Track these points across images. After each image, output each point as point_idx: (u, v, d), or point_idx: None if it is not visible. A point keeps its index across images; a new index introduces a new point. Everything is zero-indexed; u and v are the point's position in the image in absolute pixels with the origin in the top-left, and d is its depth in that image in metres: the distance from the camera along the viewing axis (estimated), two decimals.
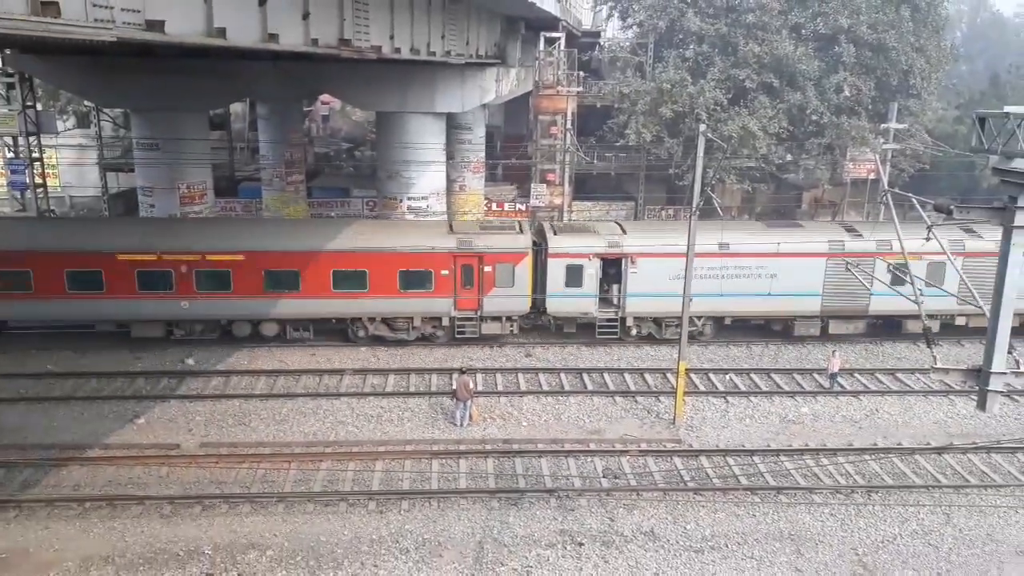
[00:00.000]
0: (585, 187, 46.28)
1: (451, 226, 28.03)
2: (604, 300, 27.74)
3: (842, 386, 24.98)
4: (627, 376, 25.57)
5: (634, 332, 27.90)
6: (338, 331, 27.92)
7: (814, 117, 38.13)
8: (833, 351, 25.67)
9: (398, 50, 22.95)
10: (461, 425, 22.10)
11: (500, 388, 24.63)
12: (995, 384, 12.67)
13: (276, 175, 41.01)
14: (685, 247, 21.45)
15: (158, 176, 33.24)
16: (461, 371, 22.80)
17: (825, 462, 20.56)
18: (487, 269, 26.24)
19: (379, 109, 34.12)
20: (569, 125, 40.98)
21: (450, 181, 39.13)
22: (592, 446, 21.20)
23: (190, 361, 26.15)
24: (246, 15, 14.77)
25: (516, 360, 26.81)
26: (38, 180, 36.45)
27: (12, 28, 9.29)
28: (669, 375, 25.02)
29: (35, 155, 36.19)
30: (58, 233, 27.21)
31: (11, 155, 37.53)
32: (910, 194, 17.65)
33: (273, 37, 15.58)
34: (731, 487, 19.40)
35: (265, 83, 34.75)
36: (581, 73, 43.78)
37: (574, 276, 26.93)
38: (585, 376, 25.48)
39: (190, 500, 18.36)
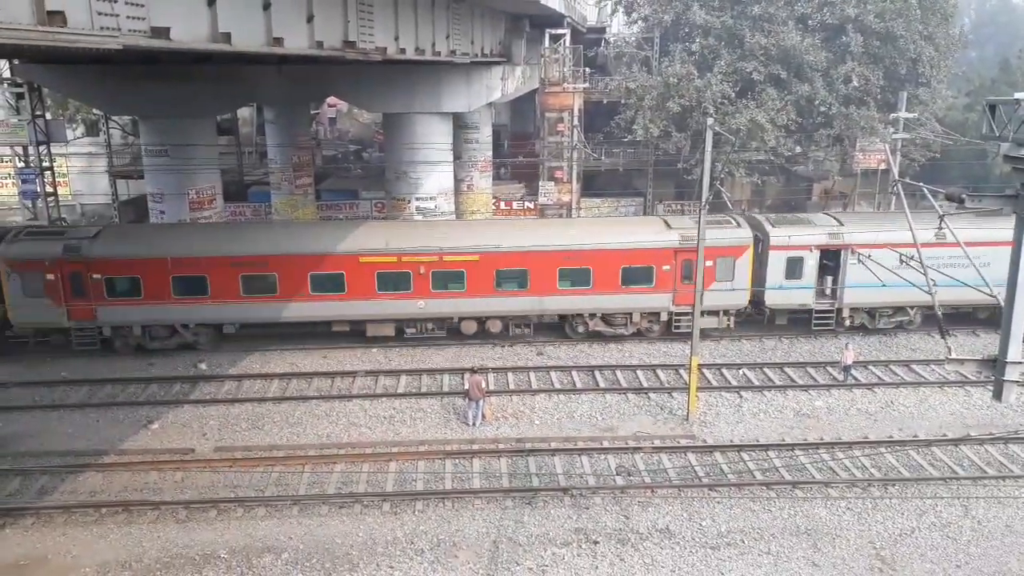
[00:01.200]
0: (593, 184, 46.22)
1: (666, 222, 27.82)
2: (819, 291, 27.75)
3: (856, 379, 24.81)
4: (639, 373, 25.49)
5: (847, 323, 27.99)
6: (556, 327, 28.41)
7: (822, 108, 37.93)
8: (847, 344, 25.50)
9: (403, 51, 22.96)
10: (474, 425, 22.09)
11: (512, 387, 24.60)
12: (1011, 374, 12.54)
13: (285, 179, 41.14)
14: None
15: (167, 182, 33.42)
16: (473, 370, 22.79)
17: (840, 456, 20.43)
18: (708, 263, 26.06)
19: (386, 110, 34.18)
20: (576, 122, 40.91)
21: (458, 181, 39.20)
22: (605, 444, 21.14)
23: (203, 366, 26.26)
24: (250, 19, 14.81)
25: (528, 359, 26.78)
26: (49, 189, 36.71)
27: (19, 38, 9.34)
28: (682, 371, 24.92)
29: (45, 164, 36.44)
30: (301, 237, 27.51)
31: (22, 164, 37.80)
32: (921, 183, 17.53)
33: (278, 41, 15.62)
34: (746, 482, 19.29)
35: (271, 87, 34.87)
36: (587, 69, 43.73)
37: (794, 268, 27.03)
38: (597, 373, 25.42)
39: (205, 504, 18.42)
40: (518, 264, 26.52)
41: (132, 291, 25.95)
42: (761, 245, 27.24)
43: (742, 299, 27.14)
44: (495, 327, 27.60)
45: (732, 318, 27.78)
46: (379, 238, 26.87)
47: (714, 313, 27.28)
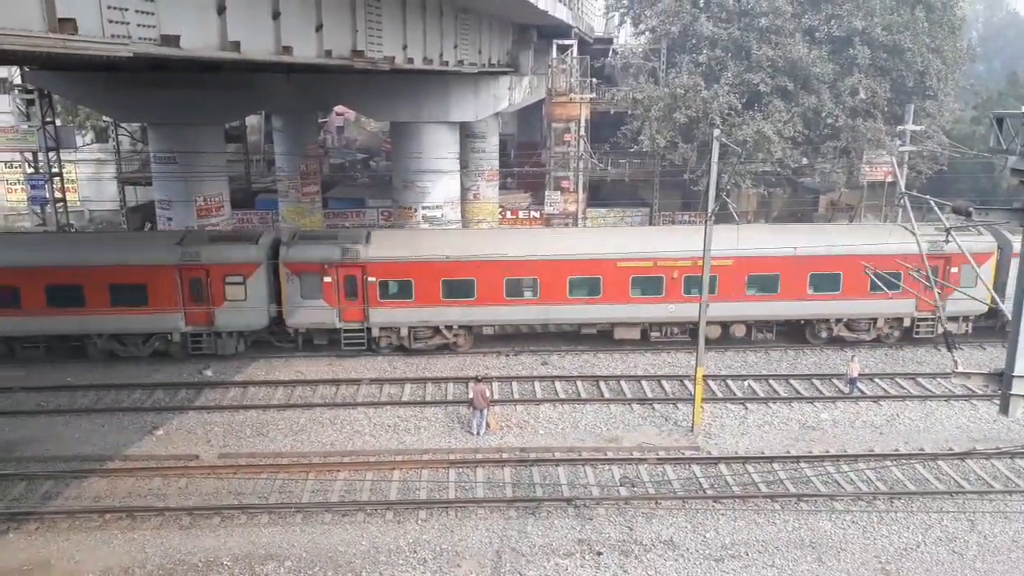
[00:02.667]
0: (599, 194, 46.26)
1: (908, 229, 27.64)
2: None
3: (862, 391, 24.71)
4: (644, 383, 25.44)
5: None
6: (795, 332, 28.65)
7: (829, 120, 37.91)
8: (852, 356, 25.41)
9: (411, 60, 23.07)
10: (478, 434, 22.07)
11: (516, 396, 24.57)
12: (1018, 388, 12.44)
13: (292, 186, 41.30)
14: None
15: (175, 189, 33.57)
16: (477, 379, 22.78)
17: (846, 468, 20.33)
18: (953, 270, 26.45)
19: (393, 119, 34.35)
20: (582, 132, 40.96)
21: (464, 190, 39.28)
22: (610, 454, 21.09)
23: (208, 372, 26.31)
24: (260, 28, 14.91)
25: (532, 368, 26.76)
26: (58, 195, 36.91)
27: (31, 45, 9.42)
28: (687, 382, 24.87)
29: (55, 170, 36.66)
30: (562, 242, 27.86)
31: (31, 170, 38.03)
32: (928, 196, 17.49)
33: (287, 50, 15.71)
34: (751, 495, 19.21)
35: (280, 95, 35.06)
36: (594, 80, 43.79)
37: None
38: (602, 383, 25.38)
39: (209, 511, 18.42)
40: (770, 269, 26.79)
41: (404, 293, 26.49)
42: (1002, 253, 27.11)
43: (982, 306, 26.89)
44: (739, 331, 27.85)
45: (971, 324, 27.86)
46: (636, 242, 27.19)
47: (954, 319, 27.52)
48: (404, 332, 27.15)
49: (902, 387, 25.24)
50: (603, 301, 26.83)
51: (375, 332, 27.11)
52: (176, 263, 25.82)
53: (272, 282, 26.37)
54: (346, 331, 26.99)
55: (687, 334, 27.65)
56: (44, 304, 25.64)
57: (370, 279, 26.29)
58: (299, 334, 27.29)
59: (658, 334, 27.86)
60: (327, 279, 26.15)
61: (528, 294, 26.78)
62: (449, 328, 27.34)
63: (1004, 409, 13.16)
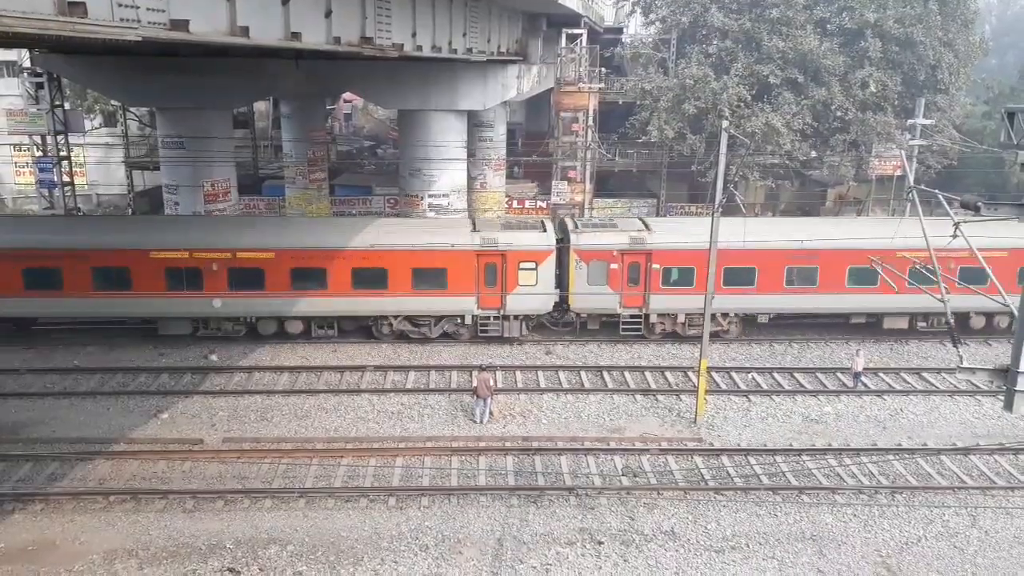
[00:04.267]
0: (607, 184, 46.15)
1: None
2: None
3: (866, 385, 24.69)
4: (648, 374, 25.46)
5: None
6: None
7: (839, 113, 37.72)
8: (857, 350, 25.38)
9: (420, 48, 23.02)
10: (481, 422, 22.14)
11: (520, 386, 24.62)
12: (1023, 384, 12.45)
13: (299, 173, 41.32)
14: None
15: (183, 174, 33.63)
16: (481, 368, 22.83)
17: (848, 462, 20.34)
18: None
19: (401, 107, 34.29)
20: (591, 122, 40.82)
21: (471, 178, 39.27)
22: (612, 444, 21.13)
23: (213, 357, 26.42)
24: (269, 14, 14.89)
25: (536, 358, 26.80)
26: (66, 178, 37.01)
27: (40, 28, 9.45)
28: (690, 373, 24.88)
29: (63, 154, 36.74)
30: (844, 230, 27.70)
31: (40, 154, 38.13)
32: (936, 191, 17.42)
33: (296, 35, 15.70)
34: (752, 487, 19.24)
35: (288, 81, 35.06)
36: (603, 70, 43.60)
37: None
38: (605, 374, 25.41)
39: (212, 495, 18.55)
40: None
41: (684, 281, 26.80)
42: None
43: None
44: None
45: None
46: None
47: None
48: (681, 319, 27.47)
49: (906, 382, 25.21)
50: (879, 292, 26.29)
51: (652, 319, 27.51)
52: (475, 249, 26.32)
53: (558, 268, 27.00)
54: (625, 317, 27.45)
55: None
56: (350, 287, 26.30)
57: (654, 266, 26.66)
58: (579, 319, 27.82)
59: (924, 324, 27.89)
60: (614, 266, 26.64)
61: (808, 283, 26.82)
62: (725, 316, 27.58)
63: (1008, 405, 13.16)
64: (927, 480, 19.66)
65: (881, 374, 25.53)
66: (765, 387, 24.70)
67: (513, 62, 35.85)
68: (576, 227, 27.61)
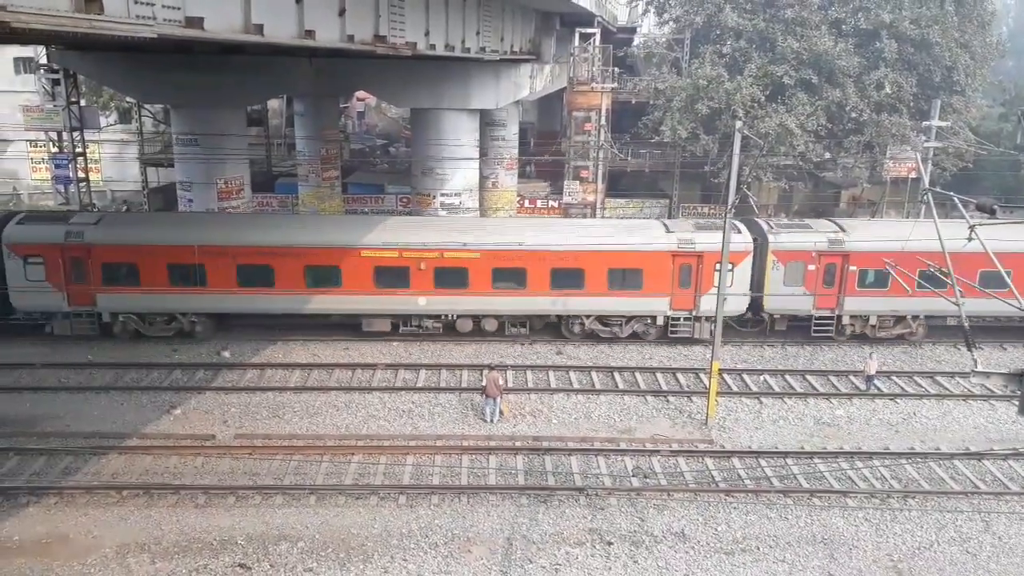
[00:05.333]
0: (619, 184, 46.06)
1: None
2: None
3: (879, 389, 24.53)
4: (659, 375, 25.39)
5: None
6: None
7: (853, 114, 37.49)
8: (871, 353, 25.24)
9: (433, 47, 23.03)
10: (491, 421, 22.14)
11: (531, 385, 24.61)
12: None
13: (312, 171, 41.41)
14: None
15: (196, 171, 33.80)
16: (490, 367, 22.85)
17: (860, 465, 20.22)
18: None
19: (414, 106, 34.32)
20: (603, 121, 40.76)
21: (483, 177, 39.26)
22: (623, 445, 21.09)
23: (226, 354, 26.55)
24: (283, 12, 14.94)
25: (547, 358, 26.77)
26: (81, 174, 37.27)
27: (57, 24, 9.50)
28: (702, 375, 24.80)
29: (79, 150, 37.00)
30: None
31: (56, 150, 38.42)
32: (952, 193, 17.28)
33: (309, 33, 15.73)
34: (763, 489, 19.17)
35: (302, 80, 35.15)
36: (616, 69, 43.51)
37: None
38: (616, 375, 25.35)
39: (224, 491, 18.64)
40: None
41: (879, 282, 26.72)
42: None
43: None
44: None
45: None
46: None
47: None
48: (873, 321, 27.57)
49: (920, 385, 25.03)
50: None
51: (844, 320, 27.53)
52: (671, 249, 26.47)
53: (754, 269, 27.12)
54: (818, 318, 27.48)
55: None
56: (548, 287, 26.61)
57: (851, 268, 26.65)
58: (772, 319, 27.94)
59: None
60: (811, 267, 26.66)
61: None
62: (915, 318, 27.55)
63: (1023, 410, 13.06)
64: (940, 485, 19.51)
65: (894, 377, 25.36)
66: (777, 389, 24.59)
67: (526, 61, 35.82)
68: (771, 228, 27.59)
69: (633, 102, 44.10)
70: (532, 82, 36.45)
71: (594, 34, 41.29)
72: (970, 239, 15.33)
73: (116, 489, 18.62)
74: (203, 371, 25.30)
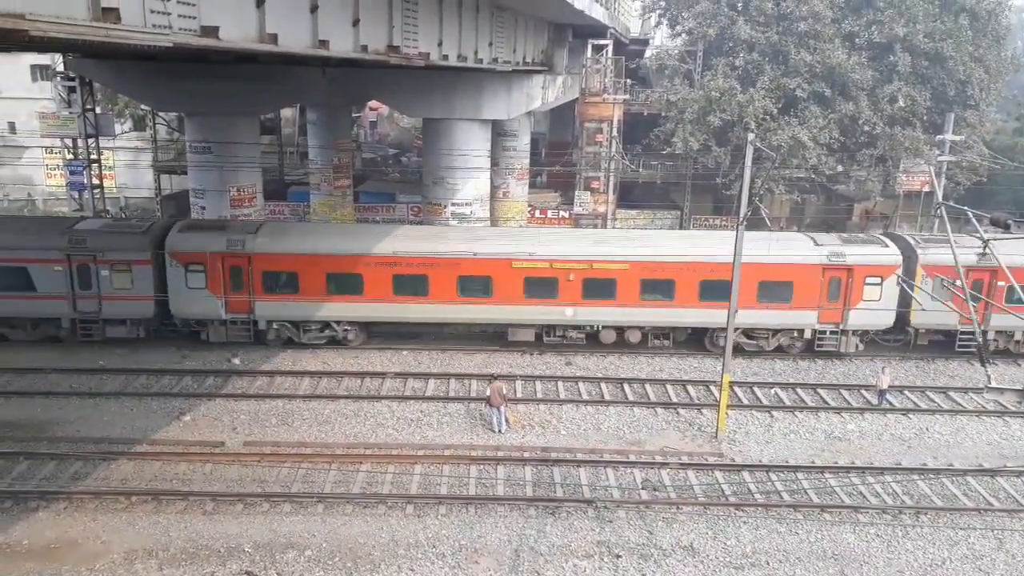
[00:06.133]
0: (630, 195, 46.07)
1: None
2: None
3: (891, 403, 24.34)
4: (669, 387, 25.28)
5: None
6: None
7: (866, 128, 37.41)
8: (883, 367, 25.05)
9: (446, 57, 23.13)
10: (499, 431, 22.09)
11: (540, 396, 24.54)
12: None
13: (324, 179, 41.62)
14: None
15: (209, 179, 34.02)
16: (493, 377, 22.85)
17: (871, 481, 20.03)
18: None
19: (426, 115, 34.45)
20: (615, 133, 40.79)
21: (494, 187, 39.31)
22: (632, 457, 20.98)
23: (236, 361, 26.62)
24: (297, 21, 15.03)
25: (556, 368, 26.71)
26: (96, 181, 37.56)
27: (75, 33, 9.59)
28: (712, 387, 24.67)
29: (93, 157, 37.31)
30: None
31: (71, 156, 38.75)
32: (965, 207, 17.19)
33: (323, 43, 15.83)
34: (773, 503, 19.00)
35: (315, 89, 35.35)
36: (628, 81, 43.60)
37: None
38: (626, 386, 25.26)
39: (232, 498, 18.64)
40: None
41: None
42: None
43: None
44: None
45: None
46: None
47: None
48: (1018, 337, 27.37)
49: (932, 400, 24.81)
50: None
51: (990, 335, 27.33)
52: (821, 263, 26.56)
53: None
54: (963, 333, 27.24)
55: None
56: (696, 299, 26.80)
57: (999, 283, 26.27)
58: (916, 334, 27.78)
59: None
60: (957, 283, 26.55)
61: None
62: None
63: None
64: (952, 501, 19.30)
65: (907, 392, 25.16)
66: (788, 403, 24.43)
67: (538, 72, 35.93)
68: (918, 242, 27.41)
69: (645, 114, 44.19)
70: (544, 93, 36.54)
71: (607, 45, 41.41)
72: (984, 254, 15.21)
73: (125, 495, 18.65)
74: (213, 378, 25.36)
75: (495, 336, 28.33)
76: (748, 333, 27.38)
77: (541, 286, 26.64)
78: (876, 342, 28.03)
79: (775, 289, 26.50)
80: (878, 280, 26.45)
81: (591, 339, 27.77)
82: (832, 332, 27.13)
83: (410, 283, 26.49)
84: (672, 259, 26.59)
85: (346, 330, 27.43)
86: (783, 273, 26.44)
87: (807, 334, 27.26)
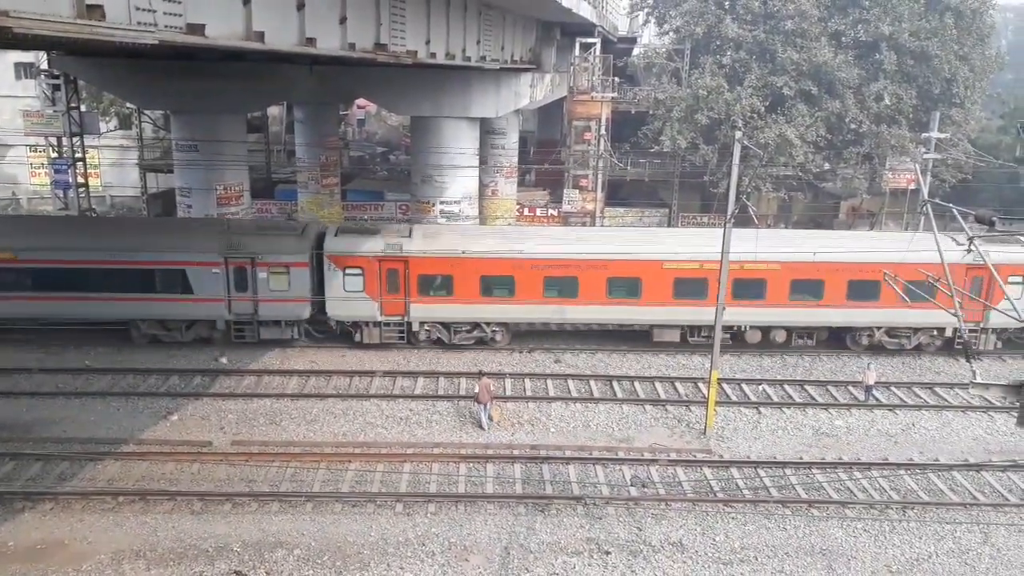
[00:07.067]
0: (618, 193, 46.15)
1: None
2: None
3: (878, 399, 24.51)
4: (657, 384, 25.35)
5: None
6: None
7: (853, 126, 37.60)
8: (869, 364, 25.22)
9: (433, 55, 23.07)
10: (485, 428, 22.11)
11: (529, 393, 24.56)
12: None
13: (311, 178, 41.50)
14: None
15: (196, 177, 33.84)
16: (482, 374, 22.85)
17: (859, 476, 20.18)
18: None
19: (414, 114, 34.39)
20: (603, 131, 40.84)
21: (482, 186, 39.31)
22: (621, 454, 21.05)
23: (223, 360, 26.49)
24: (284, 19, 14.96)
25: (545, 366, 26.73)
26: (81, 180, 37.27)
27: (59, 31, 9.50)
28: (700, 384, 24.76)
29: (78, 155, 37.01)
30: None
31: (55, 155, 38.44)
32: (951, 205, 17.31)
33: (311, 41, 15.76)
34: (762, 499, 19.11)
35: (302, 87, 35.25)
36: (616, 79, 43.64)
37: None
38: (615, 383, 25.32)
39: (220, 497, 18.56)
40: None
41: None
42: None
43: None
44: None
45: None
46: None
47: None
48: None
49: (918, 396, 25.01)
50: None
51: None
52: (964, 262, 25.85)
53: None
54: None
55: None
56: (844, 299, 26.91)
57: None
58: None
59: None
60: None
61: None
62: None
63: (1022, 421, 13.04)
64: (939, 496, 19.47)
65: (893, 388, 25.35)
66: (776, 399, 24.55)
67: (527, 70, 35.92)
68: None
69: (633, 112, 44.22)
70: (532, 91, 36.54)
71: (595, 44, 41.45)
72: (969, 251, 15.34)
73: (112, 495, 18.54)
74: (200, 377, 25.23)
75: (640, 335, 28.19)
76: (891, 332, 27.60)
77: (690, 287, 26.74)
78: (1012, 340, 28.20)
79: (919, 289, 26.55)
80: (1020, 279, 26.66)
81: (735, 339, 27.70)
82: (972, 330, 27.22)
83: (561, 285, 26.70)
84: (823, 260, 26.38)
85: (495, 331, 27.60)
86: (927, 272, 26.35)
87: (948, 332, 27.44)
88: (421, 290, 26.74)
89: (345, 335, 27.75)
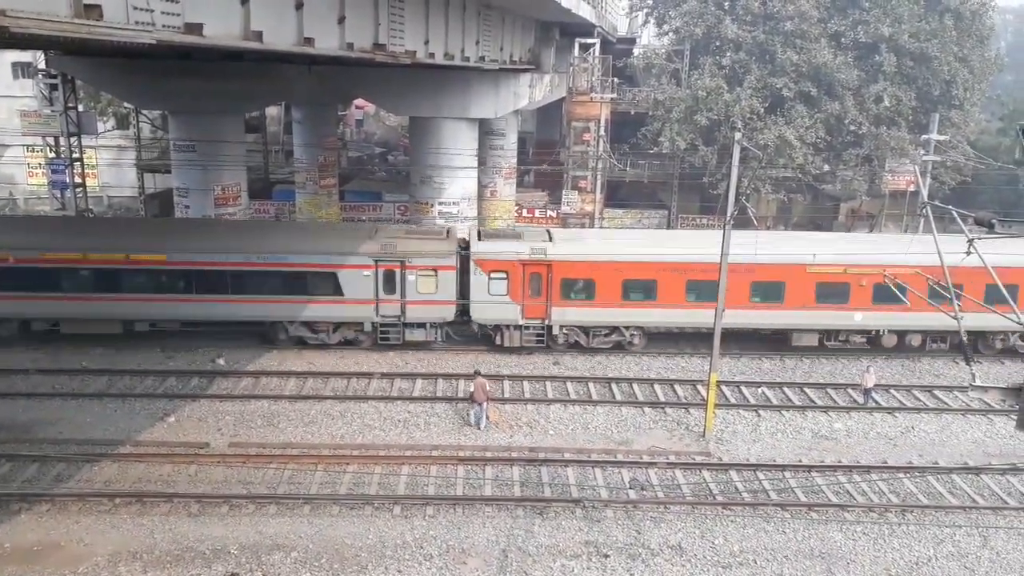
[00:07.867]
0: (617, 194, 46.10)
1: None
2: None
3: (877, 402, 24.46)
4: (656, 387, 25.29)
5: None
6: None
7: (852, 127, 37.59)
8: (868, 367, 25.17)
9: (432, 55, 23.02)
10: (480, 427, 22.05)
11: (527, 396, 24.49)
12: None
13: (310, 178, 41.39)
14: None
15: (194, 177, 33.76)
16: (477, 373, 22.79)
17: (858, 479, 20.13)
18: None
19: (413, 114, 34.31)
20: (602, 132, 40.80)
21: (481, 186, 39.22)
22: (620, 457, 20.98)
23: (220, 361, 26.40)
24: (282, 19, 14.90)
25: (544, 368, 26.67)
26: (78, 180, 37.17)
27: (56, 30, 9.43)
28: (699, 387, 24.71)
29: (76, 155, 36.91)
30: None
31: (53, 155, 38.33)
32: (950, 207, 17.28)
33: (309, 41, 15.70)
34: (761, 502, 19.06)
35: (300, 87, 35.16)
36: (615, 80, 43.60)
37: None
38: (613, 386, 25.25)
39: (217, 499, 18.48)
40: None
41: None
42: None
43: None
44: None
45: None
46: None
47: None
48: None
49: (918, 399, 24.96)
50: None
51: None
52: None
53: None
54: None
55: None
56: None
57: None
58: None
59: None
60: None
61: None
62: None
63: (1021, 424, 13.01)
64: (938, 499, 19.42)
65: (892, 391, 25.30)
66: (775, 402, 24.51)
67: (526, 71, 35.87)
68: None
69: (632, 113, 44.19)
70: (531, 92, 36.50)
71: (594, 44, 41.40)
72: (968, 253, 15.31)
73: (109, 497, 18.46)
74: (198, 378, 25.14)
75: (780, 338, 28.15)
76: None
77: (832, 291, 26.75)
78: None
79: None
80: None
81: (871, 343, 27.72)
82: None
83: (703, 289, 26.21)
84: (963, 265, 26.40)
85: (633, 334, 27.58)
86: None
87: None
88: (564, 294, 26.88)
89: (485, 338, 27.88)
